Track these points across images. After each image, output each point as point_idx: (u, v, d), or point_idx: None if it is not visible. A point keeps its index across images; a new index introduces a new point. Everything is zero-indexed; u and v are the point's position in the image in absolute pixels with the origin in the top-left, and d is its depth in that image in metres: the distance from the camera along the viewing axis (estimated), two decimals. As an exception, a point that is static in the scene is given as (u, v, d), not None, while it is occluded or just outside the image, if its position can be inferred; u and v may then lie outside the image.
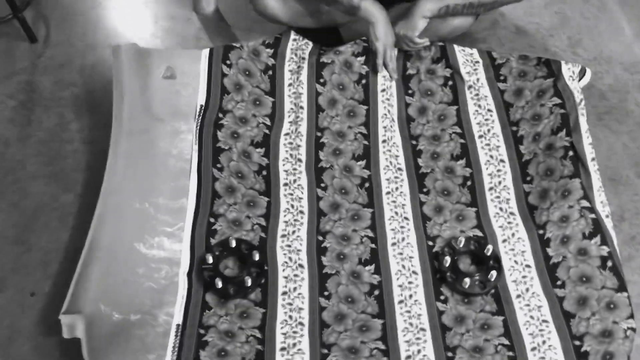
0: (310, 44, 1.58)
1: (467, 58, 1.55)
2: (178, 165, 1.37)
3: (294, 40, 1.57)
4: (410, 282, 1.27)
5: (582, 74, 1.48)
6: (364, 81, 1.53)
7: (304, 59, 1.53)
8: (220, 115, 1.44)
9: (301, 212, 1.36)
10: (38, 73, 1.57)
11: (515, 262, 1.31)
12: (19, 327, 1.21)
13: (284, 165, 1.42)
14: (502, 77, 1.53)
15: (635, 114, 1.61)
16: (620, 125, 1.58)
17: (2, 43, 1.63)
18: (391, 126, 1.49)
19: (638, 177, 1.49)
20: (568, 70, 1.45)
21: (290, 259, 1.29)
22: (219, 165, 1.38)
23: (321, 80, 1.51)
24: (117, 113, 1.33)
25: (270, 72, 1.52)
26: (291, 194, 1.38)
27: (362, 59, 1.53)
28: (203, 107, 1.45)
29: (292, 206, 1.36)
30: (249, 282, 1.23)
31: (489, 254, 1.30)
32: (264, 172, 1.40)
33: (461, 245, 1.31)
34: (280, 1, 1.52)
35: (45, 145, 1.46)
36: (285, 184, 1.39)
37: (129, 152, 1.33)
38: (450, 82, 1.53)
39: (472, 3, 1.44)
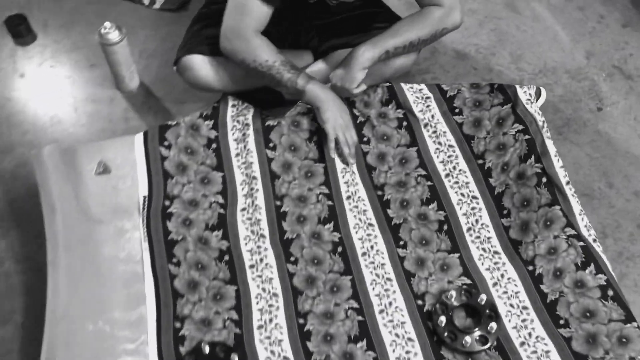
0: (252, 107, 1.46)
1: (417, 95, 1.48)
2: (129, 269, 1.22)
3: (234, 106, 1.45)
4: (408, 352, 1.16)
5: (537, 94, 1.43)
6: (315, 138, 1.42)
7: (247, 125, 1.42)
8: (167, 203, 1.30)
9: (274, 294, 1.23)
10: (-52, 187, 1.38)
11: (511, 305, 1.22)
12: None
13: (246, 245, 1.29)
14: (456, 110, 1.46)
15: (591, 122, 1.57)
16: (580, 136, 1.54)
17: None
18: (353, 179, 1.39)
19: (610, 187, 1.45)
20: (524, 94, 1.39)
21: (272, 352, 1.15)
22: (174, 260, 1.24)
23: (270, 145, 1.40)
24: (49, 226, 1.17)
25: (214, 146, 1.39)
26: (260, 276, 1.25)
27: (309, 116, 1.43)
28: (146, 198, 1.30)
29: (264, 290, 1.23)
30: (233, 391, 1.09)
31: (483, 303, 1.21)
32: (227, 257, 1.27)
33: (453, 300, 1.22)
34: (212, 68, 1.39)
35: (-31, 271, 1.27)
36: (252, 266, 1.26)
37: (71, 268, 1.16)
38: (404, 123, 1.44)
39: (412, 42, 1.36)
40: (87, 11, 1.74)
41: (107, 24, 1.41)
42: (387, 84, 1.48)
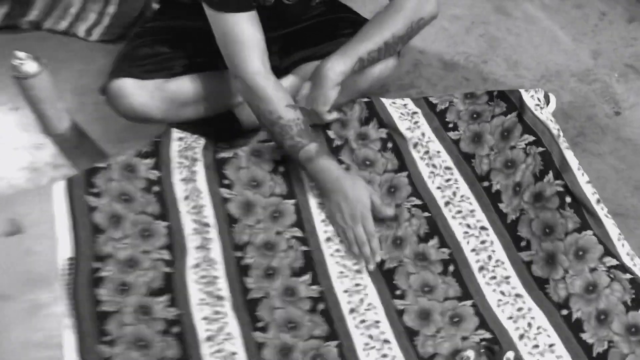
0: (202, 139, 1.20)
1: (402, 111, 1.23)
2: (45, 356, 0.93)
3: (180, 139, 1.19)
4: None
5: (546, 99, 1.19)
6: (282, 169, 1.16)
7: (196, 160, 1.16)
8: (97, 265, 1.03)
9: (240, 374, 0.94)
10: None
11: (547, 364, 0.94)
12: None
13: (201, 311, 1.01)
14: (450, 125, 1.21)
15: (610, 128, 1.33)
16: (599, 146, 1.29)
17: None
18: (332, 218, 1.12)
19: (645, 202, 1.19)
20: (532, 99, 1.15)
21: None
22: (107, 339, 0.95)
23: (225, 182, 1.14)
24: None
25: (155, 189, 1.13)
26: (220, 351, 0.96)
27: (272, 143, 1.18)
28: (71, 262, 1.03)
29: (226, 369, 0.95)
30: None
31: (509, 363, 0.93)
32: (175, 329, 0.98)
33: (470, 362, 0.94)
34: (148, 94, 1.13)
35: None
36: (209, 338, 0.98)
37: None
38: (389, 144, 1.19)
39: (386, 42, 1.12)
40: (12, 49, 1.50)
41: (21, 54, 1.17)
42: (366, 99, 1.23)
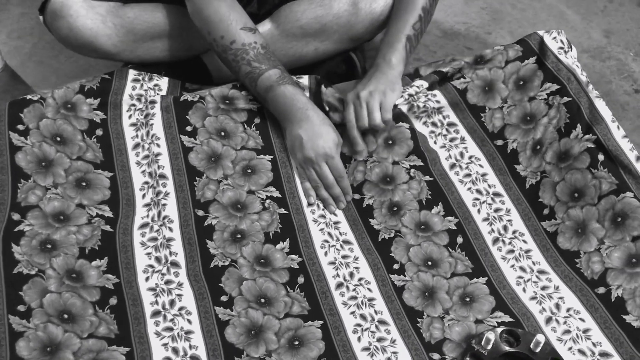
0: (165, 82, 1.00)
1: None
2: None
3: (135, 81, 0.98)
4: None
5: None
6: (257, 120, 0.96)
7: (153, 102, 0.95)
8: (16, 217, 0.80)
9: (194, 359, 0.72)
10: None
11: (582, 352, 0.76)
12: None
13: (147, 280, 0.79)
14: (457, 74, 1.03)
15: (630, 105, 1.19)
16: (622, 123, 1.14)
17: None
18: (316, 179, 0.93)
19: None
20: (554, 41, 0.98)
21: None
22: (21, 309, 0.72)
23: (188, 129, 0.93)
24: None
25: (99, 132, 0.91)
26: (170, 329, 0.74)
27: (247, 93, 0.98)
28: (-21, 210, 0.80)
29: (176, 352, 0.73)
30: None
31: (538, 349, 0.73)
32: (113, 301, 0.76)
33: (489, 347, 0.74)
34: (99, 17, 0.92)
35: None
36: (156, 313, 0.76)
37: None
38: None
39: (423, 7, 0.95)
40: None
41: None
42: None
